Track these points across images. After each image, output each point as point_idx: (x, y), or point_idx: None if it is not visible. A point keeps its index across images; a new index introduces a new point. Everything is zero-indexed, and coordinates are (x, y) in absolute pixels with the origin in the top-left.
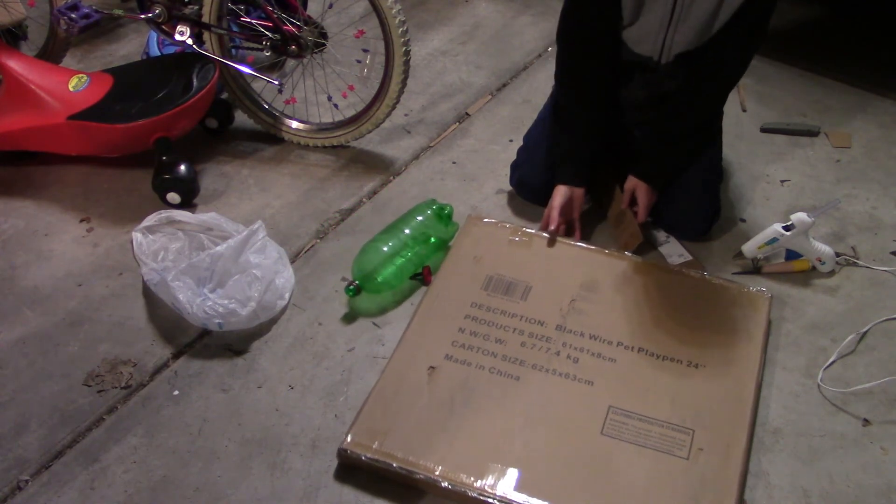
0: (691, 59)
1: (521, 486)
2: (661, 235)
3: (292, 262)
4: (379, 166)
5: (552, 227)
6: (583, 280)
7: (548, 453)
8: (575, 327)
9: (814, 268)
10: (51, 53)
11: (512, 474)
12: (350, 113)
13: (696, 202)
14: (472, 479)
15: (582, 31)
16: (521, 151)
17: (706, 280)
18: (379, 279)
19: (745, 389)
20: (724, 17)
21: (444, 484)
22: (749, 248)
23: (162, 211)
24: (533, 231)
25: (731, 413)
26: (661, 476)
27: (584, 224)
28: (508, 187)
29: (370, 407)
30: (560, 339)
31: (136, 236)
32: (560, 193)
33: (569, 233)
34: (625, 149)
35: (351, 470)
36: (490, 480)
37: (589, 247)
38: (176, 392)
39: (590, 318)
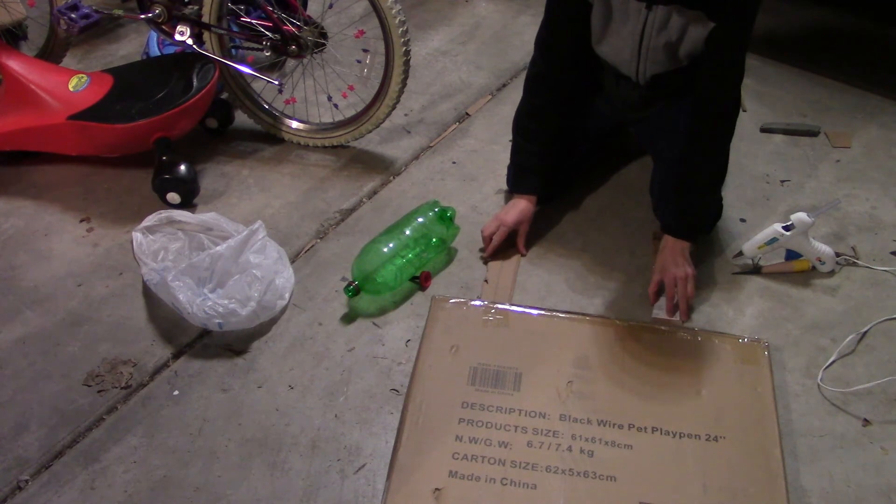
0: (667, 79)
1: None
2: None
3: (292, 262)
4: (379, 166)
5: (495, 243)
6: (573, 356)
7: None
8: (580, 414)
9: (814, 268)
10: (51, 53)
11: None
12: (350, 113)
13: None
14: None
15: (557, 40)
16: None
17: (700, 337)
18: (378, 280)
19: (772, 460)
20: (689, 46)
21: None
22: (749, 248)
23: (162, 211)
24: (504, 306)
25: (765, 489)
26: None
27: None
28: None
29: None
30: (567, 430)
31: (136, 236)
32: (516, 209)
33: (510, 242)
34: (620, 147)
35: None
36: None
37: (569, 315)
38: (176, 392)
39: (592, 400)
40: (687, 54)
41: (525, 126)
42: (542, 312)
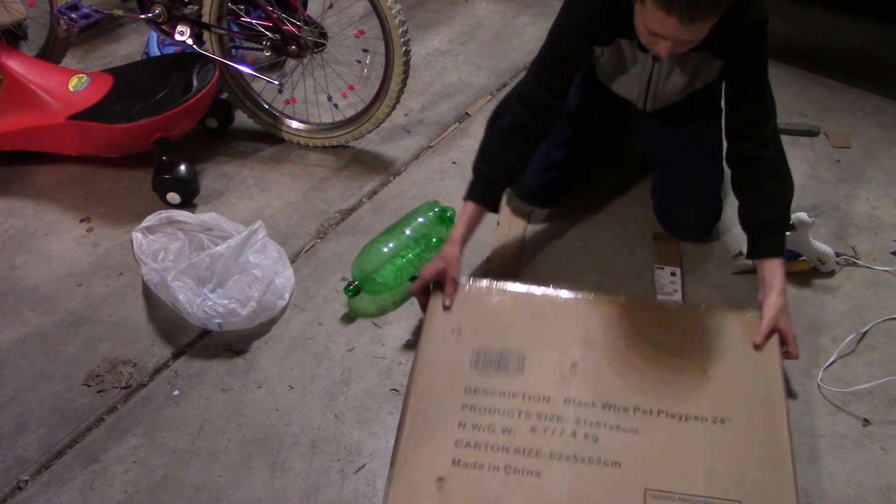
0: (677, 105)
1: None
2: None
3: (292, 262)
4: (379, 166)
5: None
6: (579, 337)
7: None
8: (584, 397)
9: (814, 268)
10: (51, 53)
11: None
12: (350, 113)
13: (696, 203)
14: None
15: (556, 72)
16: None
17: (707, 314)
18: (378, 280)
19: (780, 441)
20: (702, 83)
21: None
22: None
23: (162, 211)
24: (507, 286)
25: (772, 473)
26: None
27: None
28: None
29: None
30: (572, 414)
31: (136, 236)
32: (438, 257)
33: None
34: (620, 147)
35: None
36: None
37: (573, 293)
38: (176, 392)
39: (597, 383)
40: (699, 87)
41: (506, 139)
42: (547, 291)
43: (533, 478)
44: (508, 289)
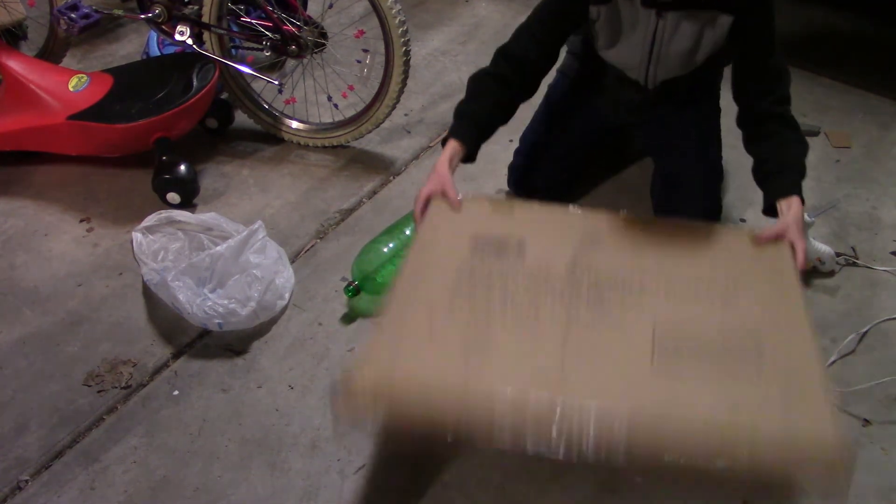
0: (677, 84)
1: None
2: None
3: (292, 262)
4: (379, 166)
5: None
6: (582, 237)
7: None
8: (588, 276)
9: (814, 268)
10: (51, 53)
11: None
12: (350, 113)
13: (696, 202)
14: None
15: (545, 28)
16: (517, 153)
17: (714, 229)
18: (378, 280)
19: (796, 303)
20: (707, 49)
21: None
22: None
23: (162, 211)
24: (507, 200)
25: (787, 312)
26: (733, 405)
27: None
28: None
29: (376, 353)
30: (575, 288)
31: (136, 236)
32: (432, 175)
33: None
34: (622, 149)
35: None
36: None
37: (580, 210)
38: (176, 392)
39: (602, 270)
40: (705, 56)
41: (484, 84)
42: (550, 207)
43: (531, 321)
44: (509, 202)
